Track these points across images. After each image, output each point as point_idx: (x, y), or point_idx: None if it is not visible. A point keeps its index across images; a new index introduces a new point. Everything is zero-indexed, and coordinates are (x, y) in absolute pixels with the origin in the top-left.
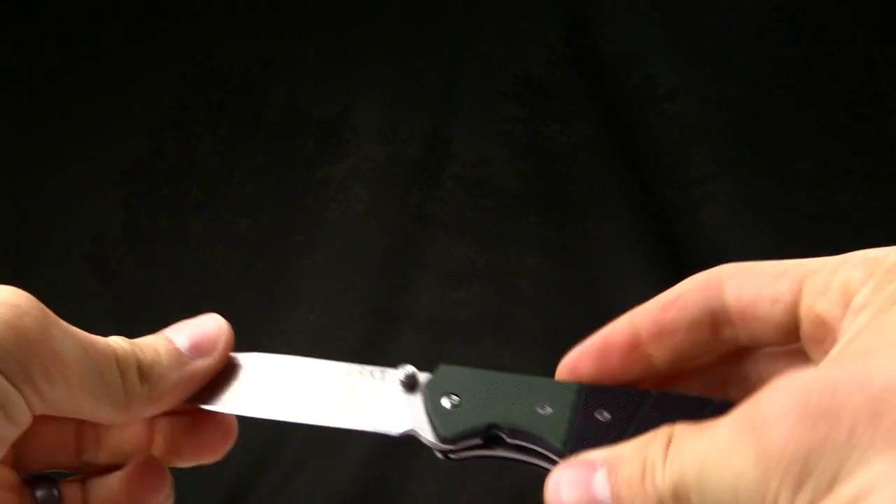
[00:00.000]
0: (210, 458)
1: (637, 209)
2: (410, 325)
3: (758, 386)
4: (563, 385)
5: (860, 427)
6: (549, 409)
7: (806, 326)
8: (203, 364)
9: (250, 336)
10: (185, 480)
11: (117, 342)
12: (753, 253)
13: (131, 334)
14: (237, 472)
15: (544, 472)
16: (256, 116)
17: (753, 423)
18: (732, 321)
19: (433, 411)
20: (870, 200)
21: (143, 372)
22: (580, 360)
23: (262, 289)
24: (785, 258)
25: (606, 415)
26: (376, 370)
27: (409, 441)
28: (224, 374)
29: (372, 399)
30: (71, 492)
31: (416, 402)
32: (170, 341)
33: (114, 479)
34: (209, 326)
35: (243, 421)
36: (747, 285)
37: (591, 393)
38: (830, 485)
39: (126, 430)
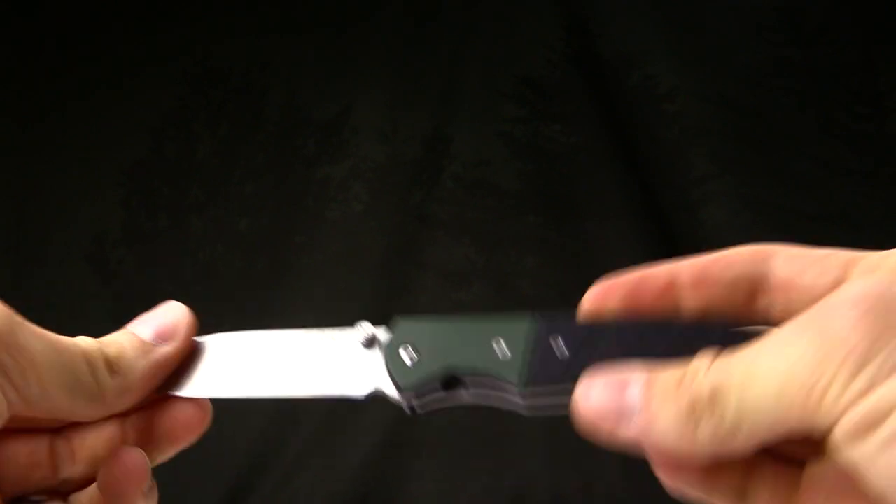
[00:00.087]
0: (188, 440)
1: (637, 209)
2: None
3: None
4: (518, 321)
5: None
6: (505, 348)
7: None
8: (167, 350)
9: None
10: (185, 480)
11: (83, 340)
12: None
13: None
14: (237, 472)
15: (513, 414)
16: (256, 116)
17: (819, 315)
18: (772, 291)
19: (392, 365)
20: (870, 200)
21: (112, 365)
22: (611, 290)
23: (262, 289)
24: None
25: (562, 346)
26: (336, 332)
27: (409, 441)
28: (190, 359)
29: (335, 363)
30: None
31: (377, 358)
32: (133, 334)
33: (93, 485)
34: (170, 314)
35: (243, 421)
36: (796, 259)
37: (546, 325)
38: (891, 372)
39: (99, 436)
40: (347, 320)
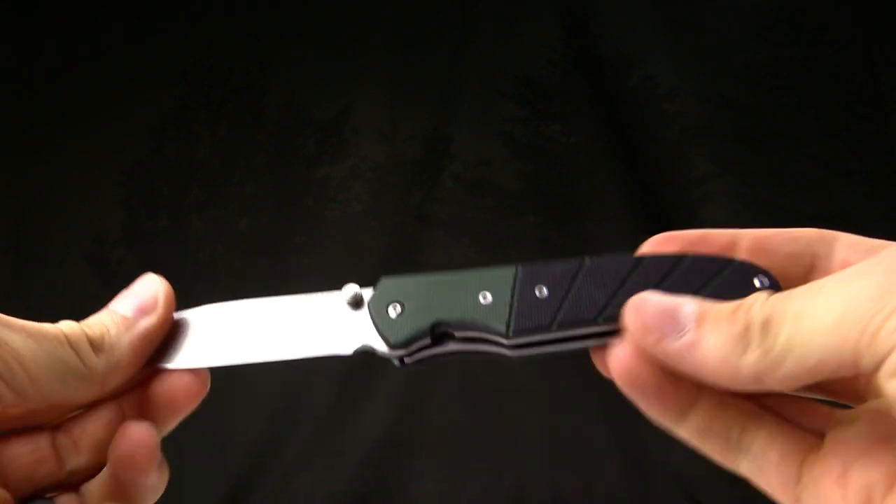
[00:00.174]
0: (187, 408)
1: (637, 209)
2: None
3: None
4: (501, 270)
5: None
6: (489, 297)
7: None
8: (150, 322)
9: None
10: (185, 480)
11: (65, 324)
12: None
13: None
14: (237, 472)
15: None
16: (256, 116)
17: (883, 259)
18: (829, 272)
19: (380, 322)
20: (870, 200)
21: (96, 344)
22: (671, 240)
23: (262, 289)
24: None
25: (544, 290)
26: (322, 296)
27: (409, 441)
28: (178, 331)
29: (322, 325)
30: (69, 502)
31: (364, 317)
32: (114, 311)
33: (103, 472)
34: (147, 288)
35: (243, 421)
36: (857, 246)
37: (527, 272)
38: None
39: (98, 422)
40: None
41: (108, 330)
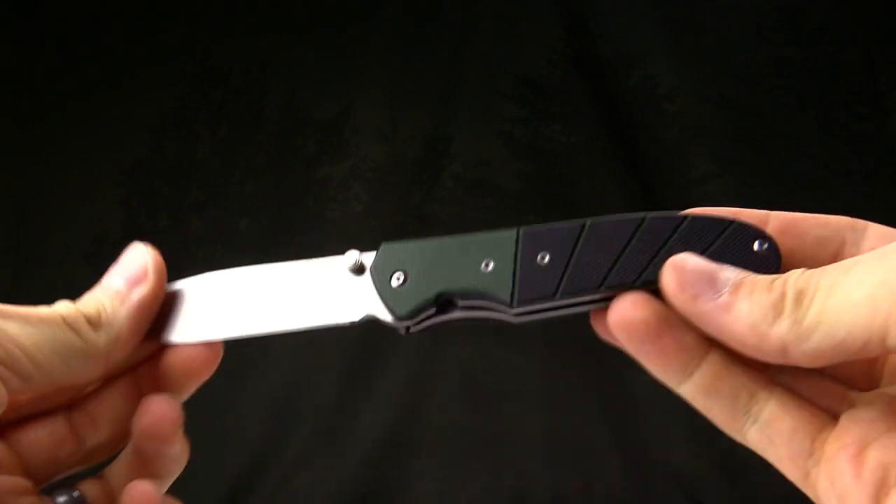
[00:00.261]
0: (202, 377)
1: (637, 209)
2: None
3: None
4: (502, 235)
5: None
6: (492, 265)
7: None
8: (143, 291)
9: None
10: (185, 480)
11: (61, 305)
12: None
13: None
14: (237, 472)
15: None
16: (256, 116)
17: None
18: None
19: (383, 292)
20: (870, 200)
21: (93, 321)
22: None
23: None
24: None
25: (546, 256)
26: (324, 261)
27: (408, 441)
28: (181, 301)
29: (325, 292)
30: (92, 488)
31: (367, 284)
32: (106, 287)
33: (124, 453)
34: (135, 258)
35: (243, 421)
36: (888, 236)
37: (529, 236)
38: None
39: (115, 396)
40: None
41: (103, 306)
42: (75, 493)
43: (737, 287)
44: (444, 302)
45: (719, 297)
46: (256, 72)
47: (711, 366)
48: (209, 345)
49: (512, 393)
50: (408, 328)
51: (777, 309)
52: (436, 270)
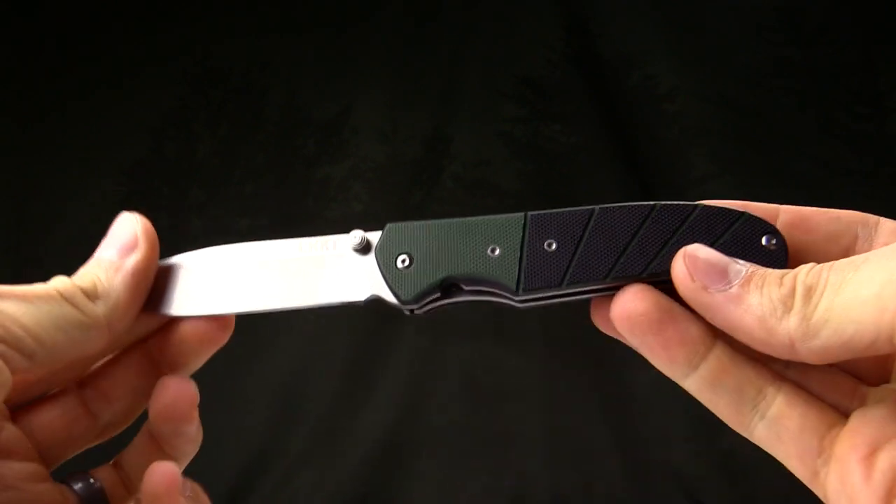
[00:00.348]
0: (218, 344)
1: None
2: (410, 326)
3: None
4: (510, 220)
5: None
6: (498, 251)
7: None
8: (136, 258)
9: (250, 335)
10: None
11: (57, 280)
12: None
13: None
14: (237, 472)
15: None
16: (256, 116)
17: None
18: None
19: (388, 274)
20: (870, 200)
21: (90, 293)
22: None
23: None
24: None
25: (553, 245)
26: (329, 240)
27: (408, 441)
28: (184, 275)
29: (330, 271)
30: (107, 475)
31: (372, 264)
32: (99, 258)
33: (142, 433)
34: (125, 227)
35: (243, 421)
36: None
37: (536, 221)
38: None
39: (127, 369)
40: (349, 319)
41: (98, 277)
42: (91, 481)
43: (747, 279)
44: (448, 286)
45: (730, 288)
46: (256, 72)
47: (717, 359)
48: (216, 318)
49: (512, 393)
50: (412, 310)
51: (787, 304)
52: (441, 254)
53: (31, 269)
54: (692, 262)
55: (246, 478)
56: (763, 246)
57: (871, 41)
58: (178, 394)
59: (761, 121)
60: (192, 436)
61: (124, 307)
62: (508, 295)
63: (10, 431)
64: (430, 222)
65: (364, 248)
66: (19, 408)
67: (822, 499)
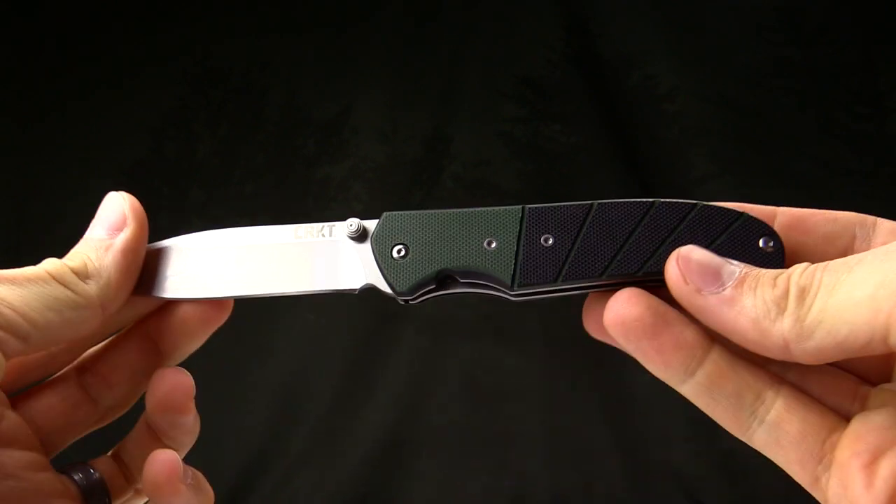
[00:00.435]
0: (216, 325)
1: None
2: (410, 326)
3: None
4: (507, 213)
5: None
6: (494, 244)
7: None
8: (125, 236)
9: (250, 335)
10: None
11: (47, 262)
12: None
13: None
14: (237, 472)
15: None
16: (256, 116)
17: None
18: None
19: (384, 264)
20: (870, 200)
21: (81, 273)
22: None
23: None
24: None
25: (550, 239)
26: (325, 226)
27: (408, 441)
28: (179, 257)
29: (325, 258)
30: (107, 466)
31: (367, 252)
32: (88, 238)
33: (139, 425)
34: (112, 206)
35: (243, 421)
36: None
37: (534, 215)
38: None
39: (126, 352)
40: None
41: (88, 257)
42: (91, 471)
43: (740, 281)
44: (444, 278)
45: (723, 290)
46: (256, 72)
47: (714, 364)
48: (213, 301)
49: (512, 393)
50: (407, 300)
51: (780, 305)
52: (437, 245)
53: None
54: (685, 263)
55: (246, 478)
56: (760, 248)
57: (871, 41)
58: (174, 384)
59: (761, 121)
60: (190, 426)
61: (116, 285)
62: (503, 289)
63: (11, 419)
64: (426, 212)
65: (360, 237)
66: (18, 394)
67: None
